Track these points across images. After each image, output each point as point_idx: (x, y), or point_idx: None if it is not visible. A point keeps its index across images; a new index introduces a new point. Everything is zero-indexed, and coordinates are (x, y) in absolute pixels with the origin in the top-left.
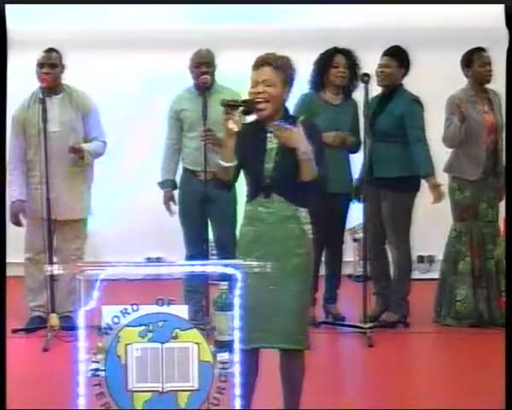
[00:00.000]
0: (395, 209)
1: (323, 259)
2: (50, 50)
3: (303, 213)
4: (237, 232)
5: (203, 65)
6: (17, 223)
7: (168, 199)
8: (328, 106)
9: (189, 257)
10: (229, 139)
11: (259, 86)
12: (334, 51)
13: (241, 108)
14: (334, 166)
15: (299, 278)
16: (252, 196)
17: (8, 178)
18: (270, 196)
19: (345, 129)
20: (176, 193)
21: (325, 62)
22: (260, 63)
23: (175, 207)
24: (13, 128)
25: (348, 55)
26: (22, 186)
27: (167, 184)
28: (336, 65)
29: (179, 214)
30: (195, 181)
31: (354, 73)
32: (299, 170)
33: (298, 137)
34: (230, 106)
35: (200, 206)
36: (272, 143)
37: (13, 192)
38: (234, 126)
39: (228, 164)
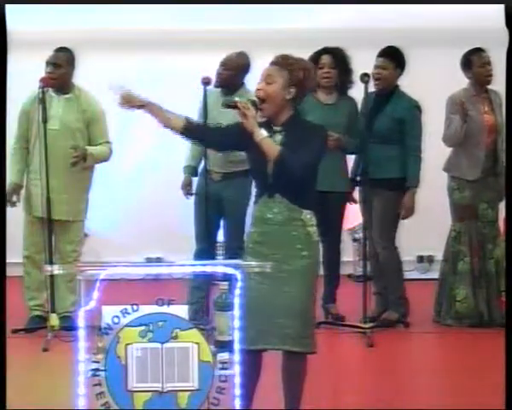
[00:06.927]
0: (385, 209)
1: (322, 259)
2: (60, 50)
3: (308, 215)
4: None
5: (221, 66)
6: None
7: (186, 185)
8: (322, 106)
9: (199, 251)
10: (250, 121)
11: (262, 83)
12: (321, 52)
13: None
14: (329, 164)
15: (303, 281)
16: (258, 197)
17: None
18: (274, 197)
19: (339, 129)
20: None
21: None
22: (271, 62)
23: (192, 193)
24: (19, 119)
25: (336, 54)
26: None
27: (187, 170)
28: (321, 66)
29: (194, 205)
30: (209, 179)
31: (344, 72)
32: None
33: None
34: (232, 106)
35: (213, 204)
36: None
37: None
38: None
39: (267, 133)
